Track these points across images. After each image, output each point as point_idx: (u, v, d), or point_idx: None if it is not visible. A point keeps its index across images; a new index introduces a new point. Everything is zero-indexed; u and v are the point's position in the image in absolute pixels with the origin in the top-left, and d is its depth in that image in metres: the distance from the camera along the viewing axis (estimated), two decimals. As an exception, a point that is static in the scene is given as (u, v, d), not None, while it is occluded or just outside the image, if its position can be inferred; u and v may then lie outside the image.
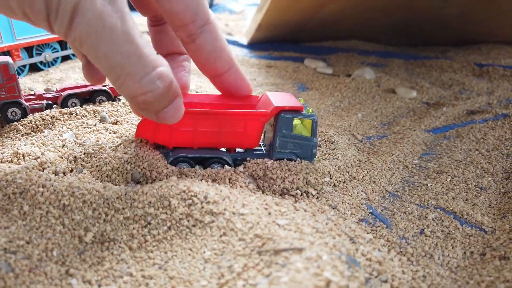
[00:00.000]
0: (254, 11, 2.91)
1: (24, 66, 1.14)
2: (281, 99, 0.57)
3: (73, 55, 1.30)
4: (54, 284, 0.38)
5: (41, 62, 1.19)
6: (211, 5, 3.22)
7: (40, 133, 0.69)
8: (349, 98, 1.00)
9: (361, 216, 0.52)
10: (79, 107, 0.75)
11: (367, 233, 0.48)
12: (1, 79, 0.68)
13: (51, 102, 0.75)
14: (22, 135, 0.69)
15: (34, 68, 1.18)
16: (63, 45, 1.25)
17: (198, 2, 0.50)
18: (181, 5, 0.49)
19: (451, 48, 1.57)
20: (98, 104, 0.79)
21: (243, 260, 0.38)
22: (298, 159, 0.57)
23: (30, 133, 0.69)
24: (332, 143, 0.72)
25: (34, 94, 0.76)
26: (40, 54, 1.18)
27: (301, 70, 1.28)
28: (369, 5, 1.26)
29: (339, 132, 0.78)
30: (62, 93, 0.76)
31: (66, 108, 0.75)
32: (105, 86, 0.80)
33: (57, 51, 1.23)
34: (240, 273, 0.36)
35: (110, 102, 0.80)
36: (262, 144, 0.61)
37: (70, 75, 1.13)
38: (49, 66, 1.21)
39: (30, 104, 0.72)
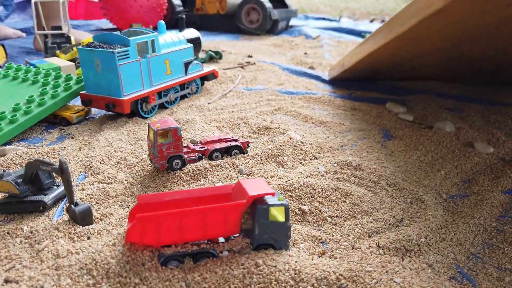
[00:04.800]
0: (329, 35, 3.07)
1: (155, 106, 1.40)
2: (254, 187, 0.67)
3: (189, 94, 1.56)
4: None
5: (166, 102, 1.45)
6: (286, 28, 3.41)
7: (197, 181, 0.93)
8: (431, 152, 1.15)
9: (451, 274, 0.69)
10: (222, 160, 0.99)
11: (458, 291, 0.65)
12: (172, 139, 0.93)
13: (201, 155, 0.98)
14: (185, 181, 0.93)
15: (161, 106, 1.45)
16: (181, 86, 1.51)
17: None
18: None
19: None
20: (234, 156, 1.01)
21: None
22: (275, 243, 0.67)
23: (190, 181, 0.93)
24: (422, 203, 0.89)
25: (187, 147, 1.00)
26: (166, 95, 1.44)
27: (384, 116, 1.44)
28: (453, 46, 1.36)
29: (427, 191, 0.95)
30: (208, 147, 1.00)
31: (212, 160, 0.98)
32: (237, 141, 1.03)
33: (178, 92, 1.49)
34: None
35: (242, 155, 1.02)
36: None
37: (190, 114, 1.38)
38: (171, 104, 1.47)
39: (187, 157, 0.97)
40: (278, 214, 0.67)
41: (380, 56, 1.38)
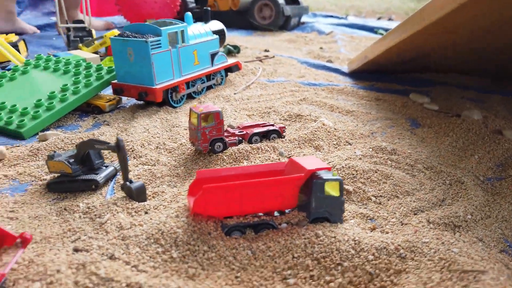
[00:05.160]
0: (342, 31, 3.09)
1: (184, 95, 1.42)
2: (309, 162, 0.70)
3: (214, 85, 1.58)
4: None
5: (194, 92, 1.47)
6: (298, 25, 3.44)
7: (239, 164, 0.95)
8: (462, 138, 1.17)
9: (501, 247, 0.71)
10: (262, 143, 1.01)
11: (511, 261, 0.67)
12: (214, 122, 0.95)
13: (241, 139, 1.01)
14: (227, 164, 0.95)
15: (188, 96, 1.47)
16: (207, 77, 1.53)
17: None
18: None
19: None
20: (272, 140, 1.03)
21: (438, 275, 0.59)
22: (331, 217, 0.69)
23: (232, 163, 0.95)
24: (462, 184, 0.91)
25: (227, 131, 1.02)
26: (194, 86, 1.46)
27: (409, 106, 1.46)
28: (482, 36, 1.37)
29: (464, 174, 0.97)
30: (247, 131, 1.02)
31: (252, 144, 1.00)
32: (274, 126, 1.06)
33: (204, 82, 1.52)
34: (439, 282, 0.57)
35: (279, 139, 1.04)
36: None
37: (218, 104, 1.40)
38: (198, 95, 1.49)
39: (229, 140, 0.99)
40: (333, 189, 0.69)
41: (408, 46, 1.40)
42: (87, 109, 1.33)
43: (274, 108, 1.36)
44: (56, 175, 0.88)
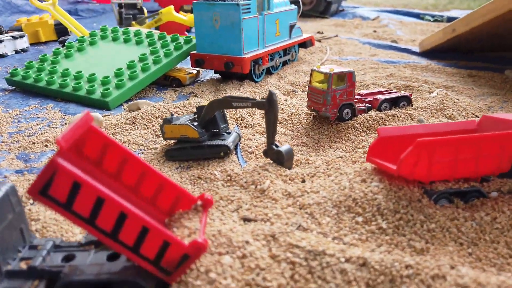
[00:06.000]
0: (388, 17, 2.96)
1: (263, 69, 1.30)
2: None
3: (289, 60, 1.46)
4: None
5: (272, 67, 1.35)
6: (336, 11, 3.31)
7: (375, 132, 0.82)
8: None
9: None
10: (396, 110, 0.88)
11: None
12: (346, 85, 0.82)
13: (370, 106, 0.88)
14: (361, 132, 0.82)
15: (267, 71, 1.35)
16: (284, 52, 1.41)
17: None
18: None
19: None
20: (402, 108, 0.91)
21: None
22: None
23: (366, 131, 0.83)
24: None
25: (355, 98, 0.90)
26: (272, 60, 1.34)
27: (510, 81, 1.33)
28: None
29: None
30: (377, 97, 0.89)
31: (381, 111, 0.88)
32: (406, 92, 0.93)
33: (281, 57, 1.39)
34: None
35: (409, 106, 0.92)
36: None
37: (302, 79, 1.28)
38: (275, 70, 1.37)
39: (358, 106, 0.86)
40: None
41: (501, 21, 1.27)
42: (165, 82, 1.21)
43: (365, 82, 1.24)
44: (173, 142, 0.76)
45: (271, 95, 0.63)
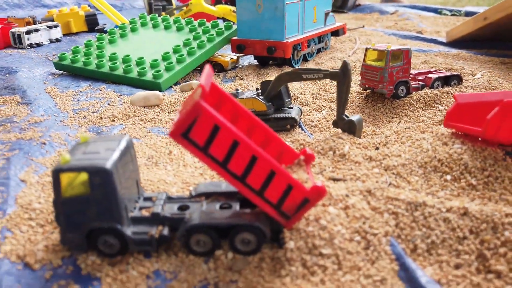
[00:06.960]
0: (408, 11, 2.97)
1: (301, 56, 1.32)
2: None
3: (323, 48, 1.48)
4: None
5: (308, 53, 1.37)
6: (354, 6, 3.32)
7: (431, 108, 0.84)
8: None
9: None
10: (449, 87, 0.90)
11: None
12: (402, 62, 0.84)
13: (423, 83, 0.90)
14: (417, 108, 0.84)
15: (303, 58, 1.36)
16: (318, 39, 1.43)
17: None
18: None
19: None
20: (453, 86, 0.93)
21: None
22: None
23: (422, 107, 0.85)
24: None
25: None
26: (308, 46, 1.36)
27: (545, 67, 1.34)
28: None
29: None
30: (429, 76, 0.92)
31: (433, 89, 0.90)
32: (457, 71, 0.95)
33: (316, 44, 1.41)
34: None
35: (460, 85, 0.94)
36: None
37: (337, 65, 1.30)
38: (310, 57, 1.39)
39: (412, 84, 0.88)
40: None
41: None
42: (207, 67, 1.24)
43: (403, 68, 1.25)
44: (238, 116, 0.78)
45: (345, 65, 0.65)
